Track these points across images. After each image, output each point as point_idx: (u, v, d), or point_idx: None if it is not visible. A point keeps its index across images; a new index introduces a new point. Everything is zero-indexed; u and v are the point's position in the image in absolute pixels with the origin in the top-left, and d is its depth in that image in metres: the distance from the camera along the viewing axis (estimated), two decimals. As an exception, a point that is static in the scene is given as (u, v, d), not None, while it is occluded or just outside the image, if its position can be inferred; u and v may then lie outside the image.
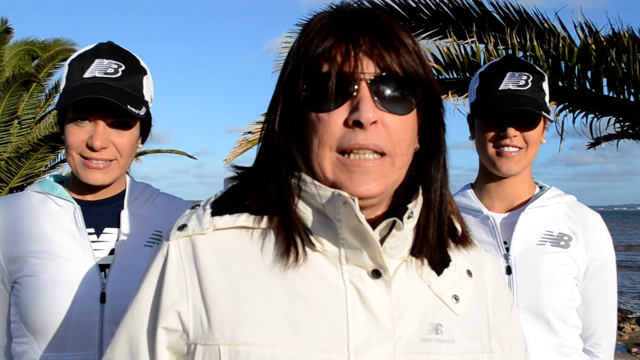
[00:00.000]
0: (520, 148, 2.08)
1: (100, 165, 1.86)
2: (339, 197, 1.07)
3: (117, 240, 1.92)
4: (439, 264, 1.20)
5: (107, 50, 1.90)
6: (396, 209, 1.18)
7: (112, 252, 1.91)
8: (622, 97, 5.26)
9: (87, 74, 1.84)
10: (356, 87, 1.08)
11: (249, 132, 7.46)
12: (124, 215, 1.96)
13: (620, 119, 6.34)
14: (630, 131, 6.97)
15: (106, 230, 1.94)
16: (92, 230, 1.91)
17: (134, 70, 1.91)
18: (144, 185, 2.11)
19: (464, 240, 1.26)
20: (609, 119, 6.32)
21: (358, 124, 1.07)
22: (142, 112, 1.87)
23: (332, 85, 1.08)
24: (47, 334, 1.76)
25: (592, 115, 5.97)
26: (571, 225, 2.12)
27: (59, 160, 13.35)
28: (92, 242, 1.89)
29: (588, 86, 5.34)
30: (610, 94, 5.34)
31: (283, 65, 1.18)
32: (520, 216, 2.10)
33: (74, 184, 1.95)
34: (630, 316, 15.10)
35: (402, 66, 1.09)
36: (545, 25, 5.67)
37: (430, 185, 1.19)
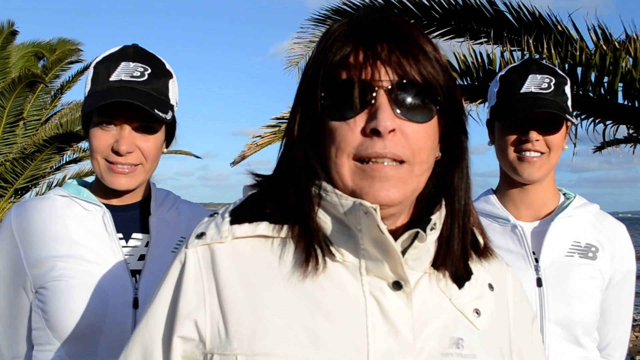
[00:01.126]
0: (542, 153, 2.04)
1: (126, 169, 1.84)
2: (361, 207, 1.05)
3: (146, 246, 1.91)
4: (461, 276, 1.19)
5: (133, 53, 1.88)
6: (418, 219, 1.16)
7: (140, 257, 1.88)
8: (637, 104, 5.21)
9: (113, 77, 1.82)
10: (374, 95, 1.06)
11: (259, 136, 7.45)
12: (153, 221, 1.94)
13: (630, 126, 6.30)
14: (635, 135, 6.94)
15: (134, 235, 1.92)
16: (120, 235, 1.89)
17: (160, 73, 1.89)
18: (166, 191, 2.10)
19: (485, 252, 1.25)
20: (617, 126, 6.28)
21: (376, 133, 1.05)
22: (169, 116, 1.85)
23: (350, 93, 1.07)
24: (77, 340, 1.73)
25: (606, 122, 5.92)
26: (597, 236, 2.09)
27: (64, 161, 13.35)
28: (122, 247, 1.87)
29: (603, 92, 5.29)
30: (625, 102, 5.29)
31: (302, 73, 1.18)
32: (550, 226, 2.06)
33: (99, 188, 1.93)
34: (634, 324, 15.08)
35: (421, 73, 1.07)
36: (559, 27, 5.64)
37: (453, 195, 1.17)
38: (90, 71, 1.88)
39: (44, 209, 1.87)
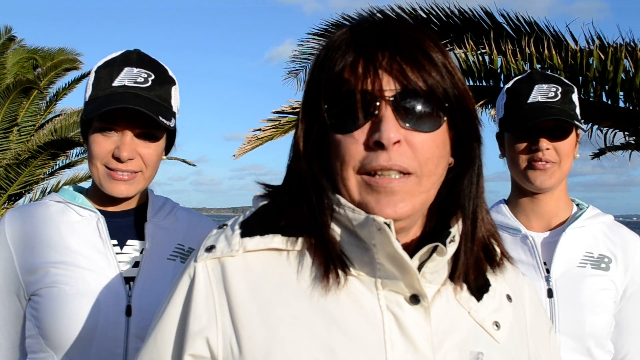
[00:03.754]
0: (553, 162, 2.03)
1: (125, 176, 1.81)
2: (374, 223, 1.02)
3: (140, 253, 1.88)
4: (479, 288, 1.16)
5: (137, 58, 1.86)
6: (434, 231, 1.13)
7: (135, 264, 1.85)
8: (638, 108, 5.24)
9: (116, 82, 1.79)
10: (377, 105, 1.03)
11: (259, 129, 7.42)
12: (149, 228, 1.91)
13: (626, 133, 6.33)
14: (631, 142, 6.98)
15: (129, 242, 1.89)
16: (115, 242, 1.86)
17: (164, 80, 1.87)
18: (164, 198, 2.07)
19: (502, 262, 1.21)
20: (614, 132, 6.32)
21: (380, 145, 1.02)
22: (172, 123, 1.83)
23: (352, 105, 1.03)
24: (69, 348, 1.70)
25: (606, 128, 5.95)
26: (610, 247, 2.06)
27: (57, 167, 13.30)
28: (117, 253, 1.84)
29: (604, 98, 5.32)
30: (627, 106, 5.31)
31: (305, 84, 1.15)
32: (562, 237, 2.03)
33: (96, 194, 1.90)
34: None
35: (425, 80, 1.03)
36: (557, 37, 5.66)
37: (466, 205, 1.13)
38: (92, 75, 1.85)
39: (38, 215, 1.85)
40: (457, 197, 1.14)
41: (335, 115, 1.06)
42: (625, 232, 2.13)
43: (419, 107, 1.04)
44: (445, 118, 1.07)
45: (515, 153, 2.06)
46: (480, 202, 1.15)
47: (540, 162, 2.02)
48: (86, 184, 2.01)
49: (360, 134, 1.04)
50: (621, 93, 5.19)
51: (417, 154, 1.04)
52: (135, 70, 1.82)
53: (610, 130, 6.11)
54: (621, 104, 5.32)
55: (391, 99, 1.03)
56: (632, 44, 5.06)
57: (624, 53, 4.86)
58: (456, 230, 1.11)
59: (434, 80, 1.03)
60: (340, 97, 1.05)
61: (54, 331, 1.70)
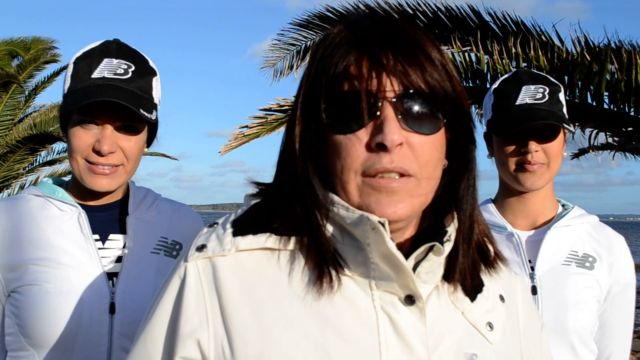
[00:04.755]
0: (542, 163, 2.04)
1: (106, 170, 1.76)
2: (368, 222, 1.00)
3: (123, 248, 1.83)
4: (473, 289, 1.14)
5: (116, 49, 1.80)
6: (427, 230, 1.12)
7: (118, 259, 1.81)
8: (624, 110, 5.28)
9: (95, 74, 1.74)
10: (380, 106, 1.01)
11: (246, 126, 7.35)
12: (130, 222, 1.86)
13: (608, 134, 6.38)
14: (613, 142, 7.06)
15: (111, 236, 1.84)
16: (97, 236, 1.81)
17: (144, 71, 1.82)
18: (146, 189, 2.02)
19: (496, 262, 1.20)
20: (597, 133, 6.37)
21: (382, 147, 1.00)
22: (154, 116, 1.78)
23: (355, 105, 1.01)
24: (52, 347, 1.65)
25: (590, 129, 6.00)
26: (595, 247, 2.08)
27: (37, 163, 13.12)
28: (99, 249, 1.78)
29: (590, 99, 5.35)
30: (612, 107, 5.35)
31: (300, 81, 1.11)
32: (547, 235, 2.05)
33: (76, 188, 1.85)
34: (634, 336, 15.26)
35: (427, 82, 1.01)
36: (543, 37, 5.68)
37: (464, 208, 1.12)
38: (70, 67, 1.79)
39: (17, 210, 1.79)
40: (453, 199, 1.13)
41: (335, 115, 1.04)
42: (610, 233, 2.14)
43: (420, 109, 1.02)
44: (444, 120, 1.06)
45: (504, 155, 2.07)
46: (476, 204, 1.14)
47: (529, 165, 2.03)
48: (66, 179, 1.96)
49: (362, 135, 1.02)
50: (606, 94, 5.23)
51: (417, 157, 1.03)
52: (115, 61, 1.76)
53: (594, 131, 6.16)
54: (605, 106, 5.35)
55: (393, 100, 1.01)
56: (616, 44, 5.08)
57: (609, 54, 4.90)
58: (452, 229, 1.09)
59: (435, 81, 1.02)
60: (342, 97, 1.03)
61: (35, 330, 1.65)
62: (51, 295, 1.66)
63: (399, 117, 1.01)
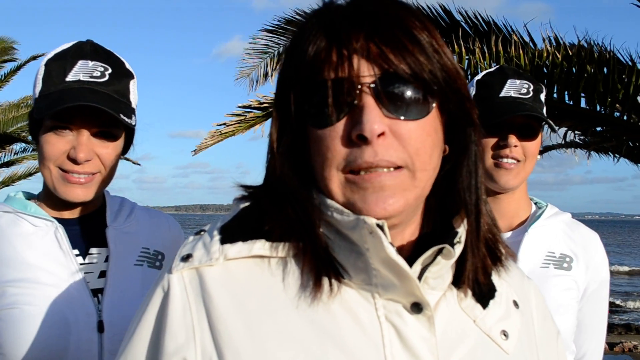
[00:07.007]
0: (518, 161, 2.01)
1: (82, 179, 1.66)
2: (365, 225, 0.91)
3: (105, 261, 1.72)
4: (484, 294, 1.06)
5: (91, 50, 1.70)
6: (434, 231, 1.04)
7: (101, 274, 1.70)
8: (599, 109, 5.36)
9: (70, 77, 1.63)
10: (356, 93, 0.92)
11: (223, 124, 7.17)
12: (110, 234, 1.76)
13: (577, 132, 6.48)
14: (577, 140, 7.19)
15: (92, 250, 1.73)
16: (77, 251, 1.70)
17: (121, 73, 1.72)
18: (120, 198, 1.92)
19: (507, 260, 1.11)
20: (573, 132, 6.46)
21: (362, 139, 0.91)
22: (133, 121, 1.69)
23: (327, 95, 0.93)
24: None
25: (565, 128, 6.08)
26: (571, 245, 2.06)
27: (-5, 165, 12.71)
28: (80, 264, 1.68)
29: (567, 99, 5.41)
30: (588, 107, 5.43)
31: (277, 76, 1.05)
32: (525, 237, 2.02)
33: (49, 199, 1.73)
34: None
35: (408, 63, 0.92)
36: (514, 37, 5.72)
37: (468, 199, 1.03)
38: (41, 69, 1.68)
39: None
40: (457, 191, 1.04)
41: (310, 107, 0.96)
42: (584, 230, 2.13)
43: (403, 93, 0.93)
44: (434, 103, 0.96)
45: (483, 147, 2.03)
46: (481, 194, 1.04)
47: (506, 160, 1.99)
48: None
49: (340, 128, 0.93)
50: (582, 94, 5.29)
51: (405, 145, 0.93)
52: (90, 63, 1.66)
53: (569, 130, 6.25)
54: (582, 105, 5.42)
55: (371, 85, 0.92)
56: (587, 44, 5.16)
57: (587, 55, 4.95)
58: (463, 230, 1.01)
59: (418, 61, 0.92)
60: (315, 87, 0.94)
61: (19, 356, 1.53)
62: (34, 318, 1.54)
63: (380, 103, 0.92)
